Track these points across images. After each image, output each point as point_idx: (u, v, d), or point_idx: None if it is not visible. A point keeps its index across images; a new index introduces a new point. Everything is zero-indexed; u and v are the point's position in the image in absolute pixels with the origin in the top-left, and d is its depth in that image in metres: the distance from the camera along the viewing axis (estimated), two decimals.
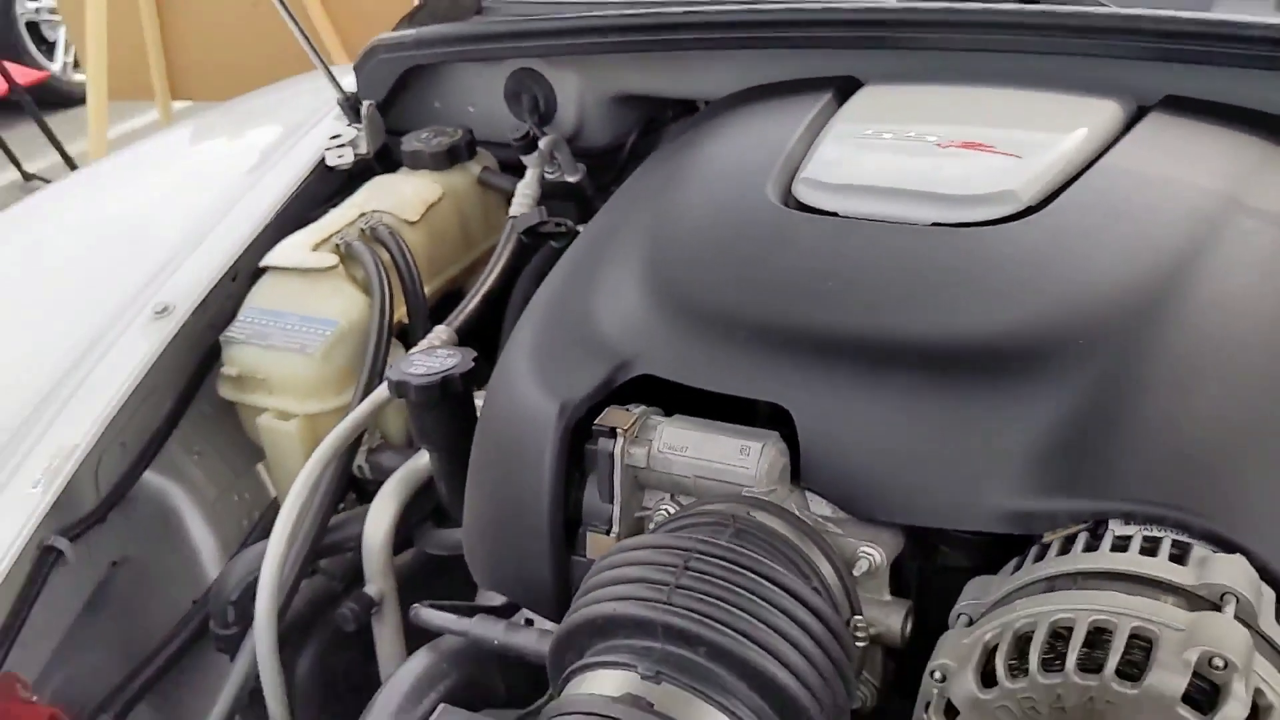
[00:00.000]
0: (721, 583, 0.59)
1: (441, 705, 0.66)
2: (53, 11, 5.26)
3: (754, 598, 0.58)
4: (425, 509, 0.95)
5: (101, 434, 0.93)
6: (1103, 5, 0.98)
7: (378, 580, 0.90)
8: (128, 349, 0.98)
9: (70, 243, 1.21)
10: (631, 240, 0.84)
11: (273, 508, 1.06)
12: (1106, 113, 0.89)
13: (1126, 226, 0.75)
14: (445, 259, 1.14)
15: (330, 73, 1.21)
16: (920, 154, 0.84)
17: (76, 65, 5.25)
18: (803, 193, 0.83)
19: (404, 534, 0.94)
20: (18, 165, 4.29)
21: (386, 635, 0.91)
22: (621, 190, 0.98)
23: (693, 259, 0.79)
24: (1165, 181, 0.80)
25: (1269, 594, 0.58)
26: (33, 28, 5.22)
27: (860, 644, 0.64)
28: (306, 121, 1.32)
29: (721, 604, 0.58)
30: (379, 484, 0.94)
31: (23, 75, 4.18)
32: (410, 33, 1.23)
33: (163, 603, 1.02)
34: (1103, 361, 0.66)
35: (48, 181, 4.07)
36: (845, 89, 0.98)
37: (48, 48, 5.24)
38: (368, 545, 0.90)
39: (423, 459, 0.94)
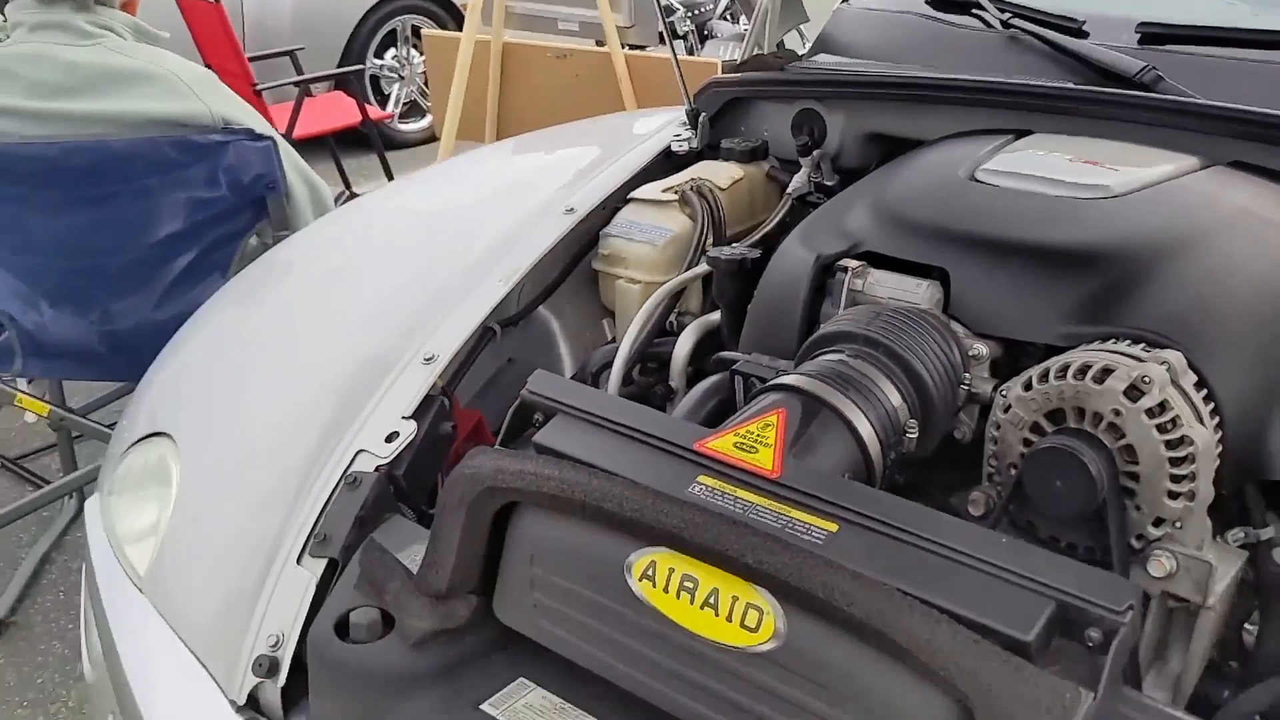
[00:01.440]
0: (896, 324, 1.12)
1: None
2: (390, 70, 6.32)
3: (913, 334, 1.12)
4: (709, 347, 1.51)
5: (527, 272, 1.54)
6: (1195, 98, 1.48)
7: (678, 379, 1.47)
8: (546, 229, 1.60)
9: (497, 177, 1.87)
10: (870, 190, 1.40)
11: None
12: (1186, 162, 1.39)
13: (1172, 208, 1.25)
14: (737, 218, 1.72)
15: (687, 93, 1.84)
16: (1057, 165, 1.37)
17: (403, 117, 6.29)
18: (981, 176, 1.36)
19: (695, 364, 1.51)
20: (348, 185, 5.23)
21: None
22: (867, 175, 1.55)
23: (905, 196, 1.34)
24: (1207, 193, 1.30)
25: (1192, 376, 1.07)
26: (373, 81, 6.27)
27: (965, 387, 1.16)
28: (642, 134, 1.95)
29: (895, 332, 1.11)
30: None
31: (372, 114, 5.13)
32: (736, 76, 1.84)
33: None
34: (1131, 264, 1.16)
35: None
36: (1021, 134, 1.51)
37: (381, 99, 6.26)
38: (676, 356, 1.47)
39: (713, 317, 1.51)
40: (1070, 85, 1.57)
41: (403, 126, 6.21)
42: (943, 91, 1.63)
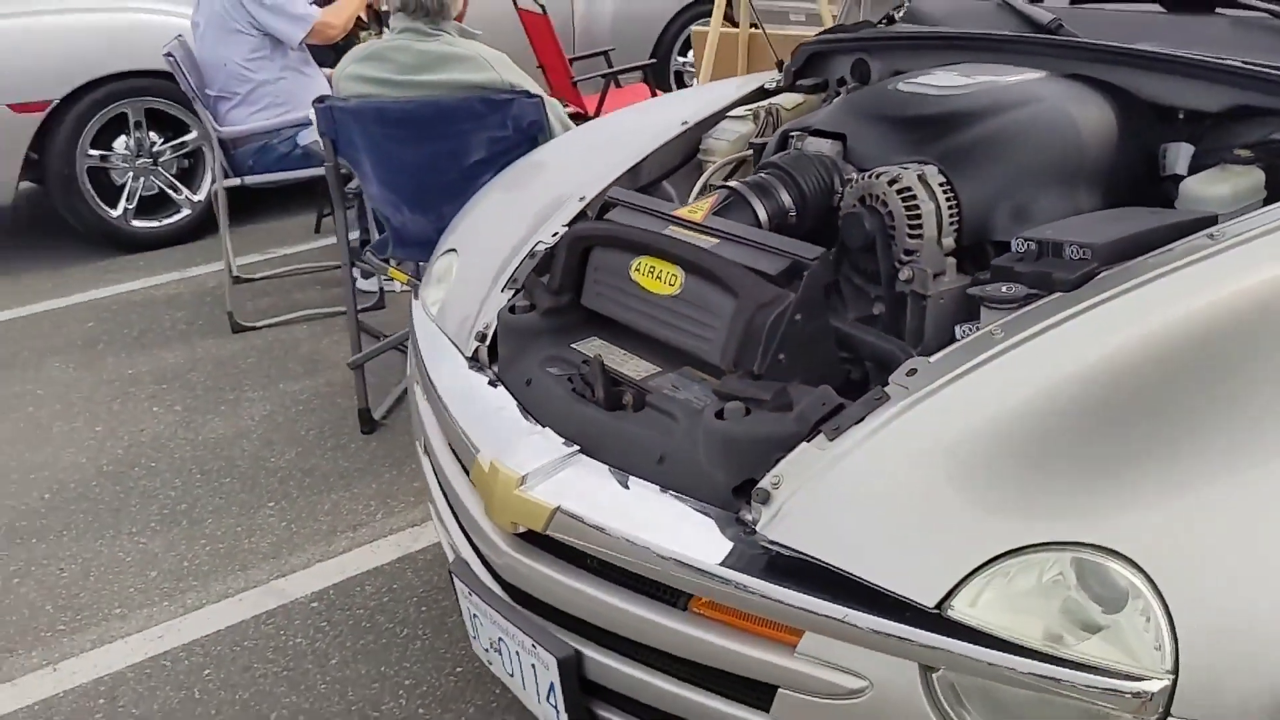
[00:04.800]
0: (798, 160, 2.09)
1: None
2: (691, 66, 7.48)
3: (805, 165, 2.08)
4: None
5: (647, 155, 2.59)
6: (1073, 37, 2.28)
7: None
8: (663, 131, 2.65)
9: (653, 109, 2.95)
10: (846, 97, 2.35)
11: None
12: (1032, 73, 2.21)
13: (975, 98, 2.10)
14: None
15: (775, 53, 2.83)
16: (942, 78, 2.24)
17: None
18: (899, 86, 2.26)
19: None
20: None
21: None
22: None
23: (850, 100, 2.28)
24: (1013, 90, 2.13)
25: (941, 178, 1.95)
26: (677, 76, 7.47)
27: (838, 196, 2.09)
28: (755, 79, 2.94)
29: (795, 163, 2.08)
30: None
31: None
32: (815, 38, 2.81)
33: None
34: (937, 127, 2.04)
35: None
36: (953, 62, 2.39)
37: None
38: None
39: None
40: (1002, 31, 2.43)
41: None
42: (929, 40, 2.53)
